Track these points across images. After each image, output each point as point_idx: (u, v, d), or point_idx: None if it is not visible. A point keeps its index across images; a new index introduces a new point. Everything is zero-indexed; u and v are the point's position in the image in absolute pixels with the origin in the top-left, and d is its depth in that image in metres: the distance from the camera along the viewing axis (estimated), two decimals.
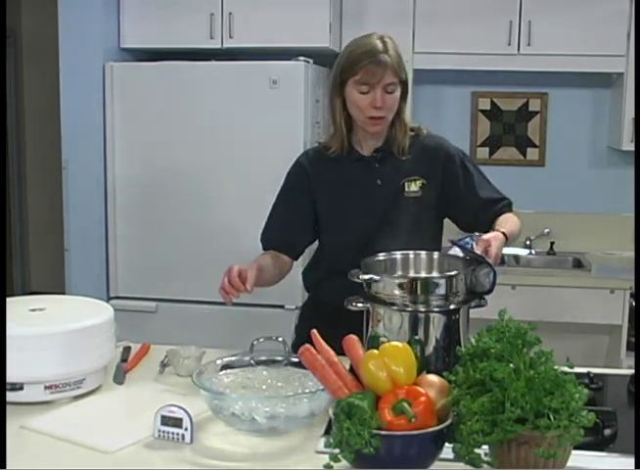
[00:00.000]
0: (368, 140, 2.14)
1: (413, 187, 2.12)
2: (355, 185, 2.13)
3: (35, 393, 1.72)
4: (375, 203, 2.12)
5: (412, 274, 1.87)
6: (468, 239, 1.86)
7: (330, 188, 2.16)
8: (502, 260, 1.91)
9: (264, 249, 2.20)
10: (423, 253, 1.91)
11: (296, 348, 2.14)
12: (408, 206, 2.11)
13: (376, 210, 2.12)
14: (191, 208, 3.53)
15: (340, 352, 1.53)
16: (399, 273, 1.86)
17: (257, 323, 3.32)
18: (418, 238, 2.07)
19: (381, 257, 1.87)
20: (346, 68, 2.05)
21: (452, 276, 1.70)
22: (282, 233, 2.21)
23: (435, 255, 1.92)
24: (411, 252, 1.91)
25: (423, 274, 1.87)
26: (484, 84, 4.05)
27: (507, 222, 2.07)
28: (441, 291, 1.68)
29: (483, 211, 2.15)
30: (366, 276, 1.71)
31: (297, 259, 2.24)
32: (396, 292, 1.68)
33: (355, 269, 1.76)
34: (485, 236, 1.86)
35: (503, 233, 1.95)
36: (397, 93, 2.07)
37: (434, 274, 1.85)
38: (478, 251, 1.80)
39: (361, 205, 2.13)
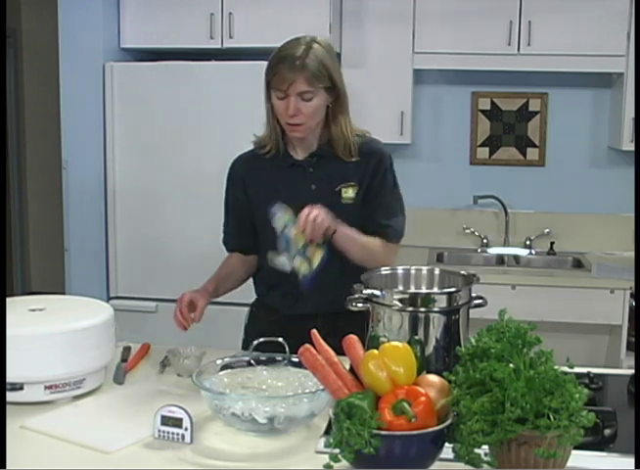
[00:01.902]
0: (301, 146, 2.11)
1: (350, 193, 2.08)
2: (289, 190, 2.09)
3: (35, 393, 1.72)
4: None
5: (412, 290, 1.87)
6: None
7: (264, 193, 2.12)
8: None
9: (228, 251, 2.25)
10: (424, 268, 1.92)
11: (245, 346, 2.16)
12: (344, 212, 2.05)
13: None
14: (191, 207, 3.53)
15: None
16: (400, 288, 1.86)
17: None
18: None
19: (382, 271, 1.88)
20: (266, 71, 2.03)
21: (452, 292, 1.71)
22: (239, 236, 2.22)
23: (437, 270, 1.91)
24: (413, 267, 1.91)
25: (424, 290, 1.87)
26: (484, 84, 4.05)
27: (357, 232, 2.05)
28: (442, 305, 1.69)
29: (369, 222, 2.11)
30: (368, 291, 1.71)
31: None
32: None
33: (357, 284, 1.76)
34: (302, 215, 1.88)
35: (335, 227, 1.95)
36: (318, 100, 2.01)
37: (435, 290, 1.85)
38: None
39: (296, 210, 2.04)
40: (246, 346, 2.17)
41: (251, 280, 2.26)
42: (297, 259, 1.90)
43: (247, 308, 2.24)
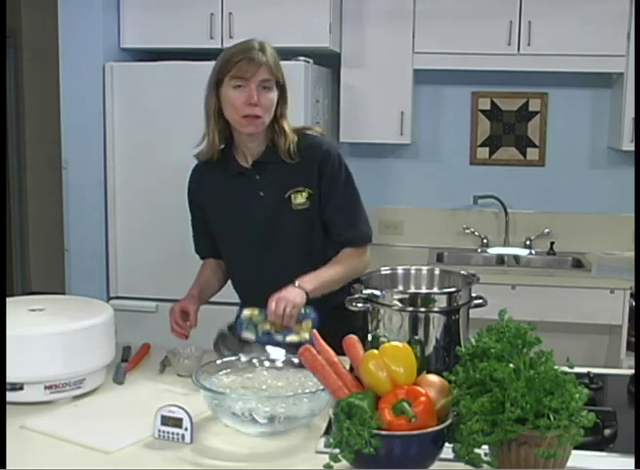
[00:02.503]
0: (248, 149, 2.08)
1: (300, 199, 2.04)
2: (237, 199, 2.08)
3: (35, 393, 1.72)
4: (259, 216, 2.06)
5: (412, 290, 1.87)
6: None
7: (215, 203, 2.12)
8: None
9: (201, 259, 2.27)
10: (424, 268, 1.92)
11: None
12: (296, 219, 2.04)
13: (260, 223, 2.06)
14: None
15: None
16: (400, 288, 1.86)
17: None
18: (307, 250, 2.07)
19: (382, 271, 1.88)
20: (222, 66, 2.02)
21: (452, 292, 1.71)
22: (207, 243, 2.23)
23: (437, 270, 1.92)
24: (413, 267, 1.91)
25: (423, 290, 1.87)
26: (484, 84, 4.05)
27: (324, 271, 2.01)
28: (442, 305, 1.69)
29: (331, 229, 2.08)
30: (368, 291, 1.71)
31: None
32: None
33: (357, 284, 1.76)
34: (271, 306, 1.86)
35: (304, 291, 1.92)
36: (274, 94, 2.02)
37: (435, 290, 1.85)
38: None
39: (244, 219, 2.07)
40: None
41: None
42: (290, 336, 1.89)
43: None
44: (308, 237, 2.06)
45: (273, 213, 2.05)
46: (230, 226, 2.11)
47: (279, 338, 1.87)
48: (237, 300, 2.28)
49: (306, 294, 1.91)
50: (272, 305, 1.86)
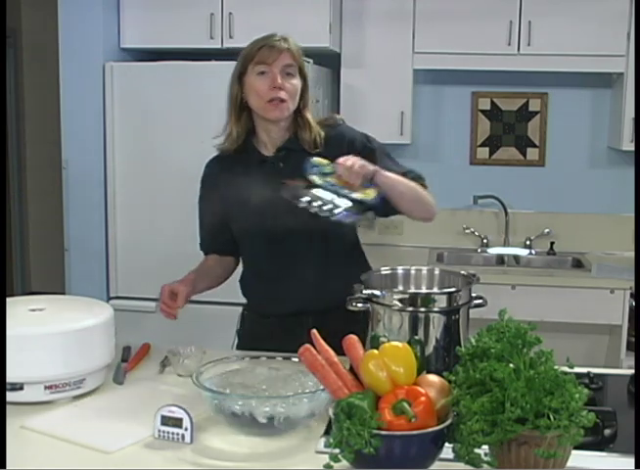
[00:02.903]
0: (271, 139, 2.10)
1: None
2: (260, 187, 2.07)
3: (35, 393, 1.72)
4: (282, 204, 2.01)
5: (412, 290, 1.86)
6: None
7: (236, 193, 2.11)
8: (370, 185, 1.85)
9: (205, 255, 2.27)
10: (424, 268, 1.91)
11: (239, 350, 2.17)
12: None
13: (283, 210, 2.03)
14: (191, 207, 3.52)
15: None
16: (400, 288, 1.86)
17: None
18: (334, 236, 2.07)
19: (382, 271, 1.88)
20: (244, 56, 2.05)
21: (452, 292, 1.71)
22: (215, 241, 2.24)
23: (437, 270, 1.91)
24: (413, 267, 1.91)
25: (423, 290, 1.87)
26: (484, 84, 4.05)
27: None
28: (442, 305, 1.69)
29: None
30: (367, 291, 1.71)
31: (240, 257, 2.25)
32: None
33: (357, 284, 1.76)
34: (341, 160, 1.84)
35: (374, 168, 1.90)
36: (297, 81, 2.05)
37: (435, 290, 1.84)
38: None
39: (268, 207, 2.06)
40: (240, 349, 2.17)
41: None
42: (355, 194, 1.83)
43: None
44: (330, 223, 1.99)
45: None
46: (253, 215, 2.10)
47: (344, 191, 1.81)
48: (237, 300, 2.28)
49: (373, 173, 1.88)
50: (341, 159, 1.85)
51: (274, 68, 2.00)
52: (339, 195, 1.81)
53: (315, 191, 1.83)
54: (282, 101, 2.01)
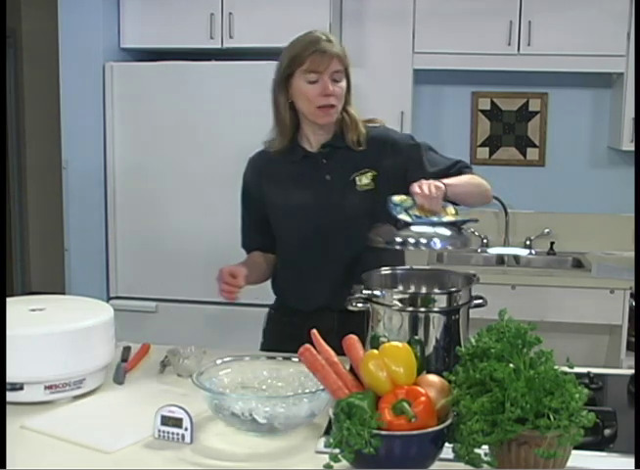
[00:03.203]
0: (315, 136, 2.11)
1: (365, 180, 2.08)
2: (304, 183, 2.11)
3: (35, 393, 1.72)
4: (325, 199, 2.09)
5: (413, 290, 1.86)
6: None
7: (278, 188, 2.13)
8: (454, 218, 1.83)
9: (248, 252, 2.26)
10: (424, 268, 1.91)
11: (264, 349, 2.17)
12: (361, 200, 2.06)
13: (327, 206, 2.08)
14: (191, 207, 3.53)
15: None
16: (400, 288, 1.86)
17: (257, 323, 3.32)
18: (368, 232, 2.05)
19: (382, 271, 1.88)
20: (292, 60, 2.04)
21: (452, 292, 1.71)
22: (256, 237, 2.24)
23: (437, 270, 1.91)
24: (413, 267, 1.91)
25: (424, 290, 1.86)
26: (484, 84, 4.05)
27: (453, 178, 1.99)
28: (442, 305, 1.69)
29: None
30: (367, 291, 1.71)
31: None
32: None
33: (358, 285, 1.76)
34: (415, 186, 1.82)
35: (443, 184, 1.88)
36: (344, 83, 2.06)
37: (435, 290, 1.84)
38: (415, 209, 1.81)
39: (311, 203, 2.09)
40: (265, 348, 2.17)
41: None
42: (445, 218, 1.81)
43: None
44: (370, 218, 1.99)
45: (339, 196, 2.08)
46: (294, 210, 2.12)
47: (434, 219, 1.79)
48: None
49: (445, 186, 1.87)
50: (416, 187, 1.81)
51: (325, 75, 2.01)
52: (432, 225, 1.79)
53: (409, 230, 1.79)
54: (331, 106, 2.04)
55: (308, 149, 2.12)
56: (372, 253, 2.00)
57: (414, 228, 1.77)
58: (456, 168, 2.10)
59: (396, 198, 1.84)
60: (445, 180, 1.91)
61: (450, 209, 1.84)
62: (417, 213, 1.81)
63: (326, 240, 2.09)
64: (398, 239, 1.75)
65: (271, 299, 2.27)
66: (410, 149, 2.11)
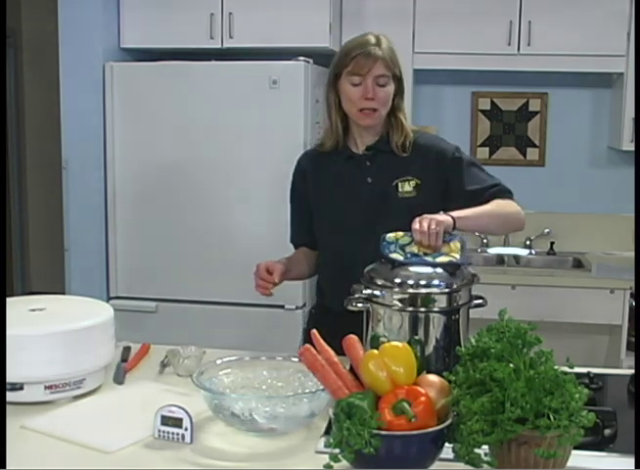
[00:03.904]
0: (362, 138, 2.13)
1: (407, 187, 2.09)
2: (345, 183, 2.13)
3: (35, 393, 1.72)
4: (364, 201, 2.10)
5: (412, 290, 1.85)
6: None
7: (321, 187, 2.17)
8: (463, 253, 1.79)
9: (295, 248, 2.28)
10: (424, 268, 1.90)
11: None
12: (401, 206, 2.07)
13: (365, 208, 2.10)
14: (191, 208, 3.53)
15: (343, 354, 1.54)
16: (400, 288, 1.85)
17: (257, 323, 3.32)
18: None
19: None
20: (339, 60, 2.07)
21: (452, 292, 1.71)
22: (302, 232, 2.26)
23: (437, 270, 1.90)
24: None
25: (424, 290, 1.85)
26: (484, 84, 4.05)
27: (474, 208, 1.98)
28: (442, 305, 1.68)
29: (469, 204, 2.04)
30: (367, 291, 1.71)
31: None
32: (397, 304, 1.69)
33: (357, 284, 1.75)
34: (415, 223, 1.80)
35: (451, 216, 1.86)
36: (390, 88, 2.07)
37: (436, 290, 1.83)
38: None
39: (350, 203, 2.11)
40: None
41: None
42: (440, 258, 1.76)
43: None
44: (407, 226, 1.94)
45: (379, 199, 2.09)
46: (334, 210, 2.14)
47: (428, 259, 1.75)
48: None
49: (453, 219, 1.85)
50: (415, 223, 1.80)
51: (367, 78, 2.02)
52: (426, 265, 1.73)
53: (408, 270, 1.72)
54: (374, 110, 2.05)
55: (354, 150, 2.14)
56: None
57: (412, 269, 1.72)
58: (490, 193, 2.10)
59: (391, 235, 1.82)
60: (456, 213, 1.89)
61: (456, 243, 1.80)
62: (414, 251, 1.77)
63: (364, 241, 2.07)
64: (397, 280, 1.69)
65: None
66: (453, 161, 2.12)
